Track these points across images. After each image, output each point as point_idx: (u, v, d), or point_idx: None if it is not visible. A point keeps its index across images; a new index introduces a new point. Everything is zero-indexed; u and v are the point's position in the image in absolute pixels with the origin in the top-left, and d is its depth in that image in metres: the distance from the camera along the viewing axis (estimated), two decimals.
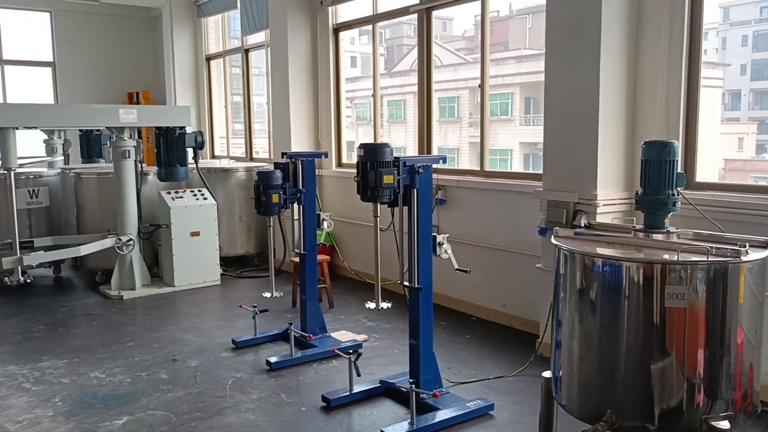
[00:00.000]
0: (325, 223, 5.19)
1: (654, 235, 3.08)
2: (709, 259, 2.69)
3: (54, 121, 6.60)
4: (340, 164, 7.82)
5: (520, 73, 10.34)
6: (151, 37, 12.01)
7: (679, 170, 3.09)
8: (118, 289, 6.96)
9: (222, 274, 7.56)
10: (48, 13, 11.13)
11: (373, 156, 3.72)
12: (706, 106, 4.50)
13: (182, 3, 10.41)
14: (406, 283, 4.01)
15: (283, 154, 5.12)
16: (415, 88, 6.58)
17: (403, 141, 11.97)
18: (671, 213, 3.11)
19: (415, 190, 3.86)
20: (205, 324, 5.95)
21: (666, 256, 2.78)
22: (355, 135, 9.60)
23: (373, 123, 7.28)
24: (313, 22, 7.79)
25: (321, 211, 5.18)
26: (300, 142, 7.81)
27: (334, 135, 7.82)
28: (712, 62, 5.31)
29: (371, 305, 4.01)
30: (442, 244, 3.97)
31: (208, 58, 10.56)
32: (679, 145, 3.42)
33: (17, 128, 6.18)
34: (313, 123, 7.92)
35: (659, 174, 3.05)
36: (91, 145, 9.29)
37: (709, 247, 2.73)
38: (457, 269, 4.02)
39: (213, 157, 10.67)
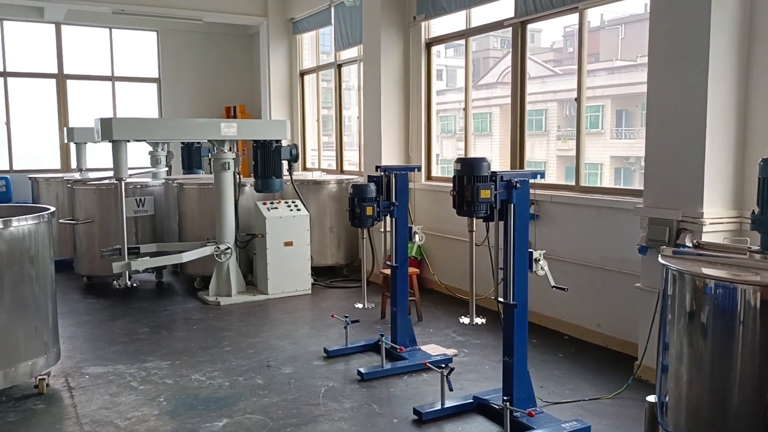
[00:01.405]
0: (417, 236, 5.22)
1: None
2: None
3: (162, 134, 6.98)
4: (429, 177, 7.85)
5: (612, 85, 10.06)
6: (247, 53, 12.52)
7: None
8: (216, 295, 7.25)
9: (313, 284, 7.73)
10: (155, 32, 11.82)
11: (470, 170, 3.72)
12: None
13: (278, 20, 10.79)
14: (501, 299, 3.97)
15: (377, 167, 5.20)
16: (501, 101, 6.56)
17: (488, 154, 11.87)
18: None
19: (512, 205, 3.83)
20: (298, 332, 6.10)
21: None
22: (440, 148, 9.61)
23: (464, 136, 7.26)
24: (405, 37, 7.88)
25: (413, 224, 5.21)
26: (390, 156, 7.90)
27: (424, 148, 7.86)
28: None
29: (465, 320, 3.99)
30: (539, 260, 3.91)
31: (302, 73, 10.88)
32: None
33: (129, 141, 6.58)
34: (403, 136, 8.00)
35: None
36: (191, 156, 9.76)
37: None
38: (553, 286, 3.95)
39: (304, 169, 10.95)
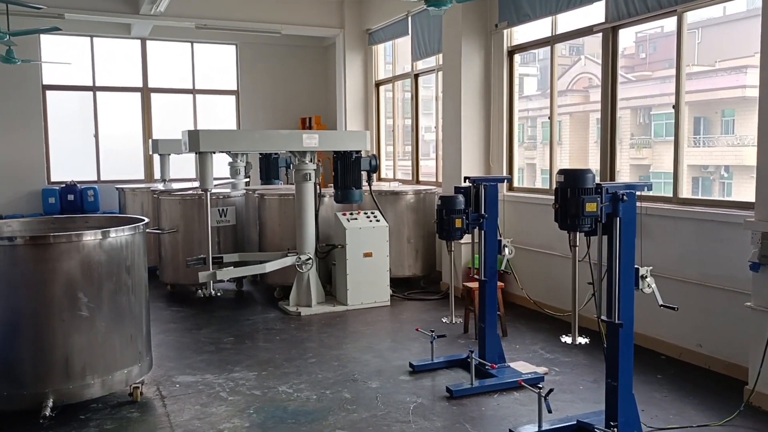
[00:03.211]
0: (507, 250, 5.06)
1: None
2: None
3: (246, 145, 7.07)
4: (511, 188, 7.65)
5: (689, 91, 9.61)
6: (322, 65, 12.64)
7: None
8: (296, 306, 7.27)
9: (391, 295, 7.65)
10: (234, 46, 12.09)
11: (574, 182, 3.55)
12: None
13: (355, 31, 10.83)
14: (604, 318, 3.77)
15: (465, 178, 5.07)
16: (572, 109, 6.30)
17: (558, 163, 11.51)
18: None
19: (618, 218, 3.63)
20: (381, 345, 6.02)
21: None
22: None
23: (550, 145, 7.06)
24: (486, 46, 7.74)
25: (502, 237, 5.06)
26: (470, 166, 7.75)
27: (505, 158, 7.68)
28: None
29: (567, 339, 3.81)
30: (645, 277, 3.69)
31: (378, 84, 10.87)
32: None
33: (214, 152, 6.70)
34: (483, 146, 7.85)
35: None
36: (269, 167, 9.87)
37: None
38: (661, 305, 3.72)
39: (379, 179, 10.93)
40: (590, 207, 3.49)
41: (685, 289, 5.33)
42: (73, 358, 4.27)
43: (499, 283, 6.22)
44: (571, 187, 3.55)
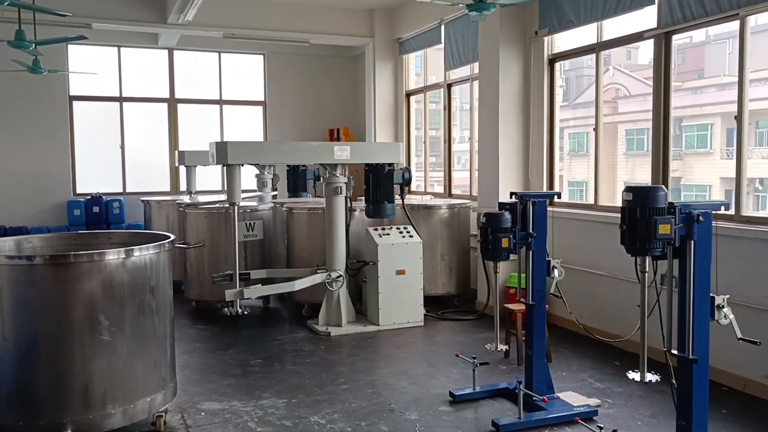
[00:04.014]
0: (556, 271, 4.67)
1: None
2: None
3: (276, 157, 6.81)
4: (551, 203, 7.25)
5: (722, 102, 9.18)
6: (351, 75, 12.38)
7: None
8: (326, 325, 6.95)
9: (424, 315, 7.29)
10: (262, 56, 11.89)
11: (644, 201, 3.19)
12: None
13: (385, 41, 10.56)
14: (675, 352, 3.38)
15: (511, 193, 4.71)
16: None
17: (585, 175, 11.11)
18: None
19: (692, 242, 3.25)
20: (416, 370, 5.66)
21: None
22: None
23: (594, 156, 6.67)
24: (525, 54, 7.40)
25: (550, 257, 4.68)
26: (508, 179, 7.40)
27: (545, 171, 7.31)
28: None
29: (635, 376, 3.43)
30: (722, 307, 3.31)
31: (408, 94, 10.57)
32: None
33: (242, 165, 6.43)
34: (522, 158, 7.49)
35: None
36: (297, 179, 9.59)
37: None
38: (740, 339, 3.33)
39: (410, 192, 10.59)
40: (663, 229, 3.13)
41: (749, 315, 4.88)
42: (93, 385, 3.99)
43: None
44: (641, 206, 3.19)
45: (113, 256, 4.06)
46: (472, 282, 8.26)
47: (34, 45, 7.52)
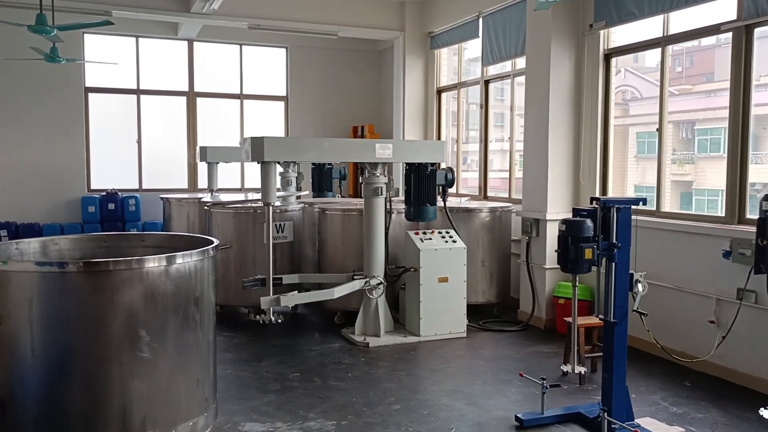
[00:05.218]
0: (640, 285, 4.20)
1: None
2: None
3: (314, 155, 6.35)
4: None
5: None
6: (376, 70, 11.93)
7: None
8: (363, 335, 6.49)
9: (467, 325, 6.83)
10: (284, 49, 11.43)
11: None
12: None
13: (416, 34, 10.09)
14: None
15: (592, 199, 4.24)
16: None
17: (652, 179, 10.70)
18: None
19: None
20: (470, 388, 5.21)
21: None
22: None
23: (658, 159, 6.22)
24: (578, 49, 6.93)
25: (634, 270, 4.22)
26: (557, 182, 6.94)
27: (599, 174, 6.85)
28: None
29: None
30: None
31: (439, 91, 10.11)
32: None
33: (279, 162, 5.98)
34: (572, 160, 7.03)
35: None
36: (322, 178, 9.13)
37: None
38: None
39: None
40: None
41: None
42: (131, 408, 3.55)
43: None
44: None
45: (155, 263, 3.62)
46: (512, 290, 7.81)
47: (55, 30, 7.07)
